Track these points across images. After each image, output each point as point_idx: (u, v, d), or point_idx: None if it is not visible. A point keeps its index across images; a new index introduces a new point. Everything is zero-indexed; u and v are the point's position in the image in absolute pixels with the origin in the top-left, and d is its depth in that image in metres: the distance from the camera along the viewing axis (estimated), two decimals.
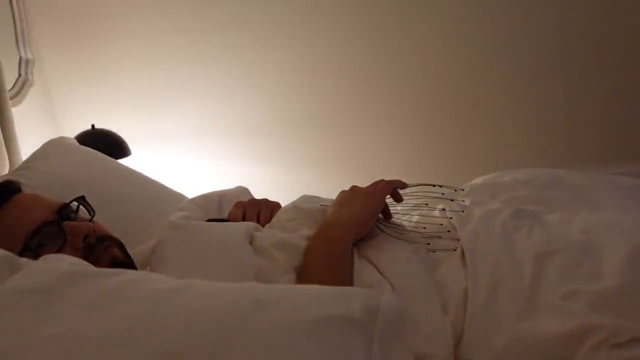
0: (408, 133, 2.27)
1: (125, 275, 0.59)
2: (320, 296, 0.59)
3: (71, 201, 0.94)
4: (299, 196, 1.15)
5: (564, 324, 0.72)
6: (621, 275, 0.76)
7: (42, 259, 0.62)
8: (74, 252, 0.85)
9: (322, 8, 2.18)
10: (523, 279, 0.79)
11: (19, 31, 2.06)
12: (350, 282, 0.87)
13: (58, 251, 0.84)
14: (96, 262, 0.85)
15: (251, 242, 0.91)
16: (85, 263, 0.63)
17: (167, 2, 2.19)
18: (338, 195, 1.04)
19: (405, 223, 1.07)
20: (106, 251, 0.89)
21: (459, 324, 0.78)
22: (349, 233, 0.93)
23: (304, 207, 1.04)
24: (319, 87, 2.25)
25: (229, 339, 0.51)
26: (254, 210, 1.08)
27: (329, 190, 1.28)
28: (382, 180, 1.05)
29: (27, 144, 1.67)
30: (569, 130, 2.26)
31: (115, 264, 0.88)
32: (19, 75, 2.04)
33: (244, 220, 1.06)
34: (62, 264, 0.60)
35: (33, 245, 0.85)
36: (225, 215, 1.10)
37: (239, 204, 1.10)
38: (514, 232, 0.89)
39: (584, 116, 2.25)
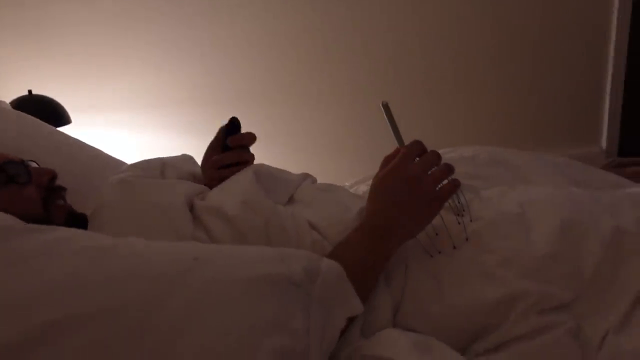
0: (362, 109, 2.28)
1: (56, 232, 0.57)
2: (261, 256, 0.59)
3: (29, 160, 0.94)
4: None
5: (495, 291, 0.75)
6: (550, 244, 0.79)
7: None
8: (36, 191, 0.86)
9: None
10: (458, 248, 0.81)
11: None
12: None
13: (20, 189, 0.85)
14: (51, 209, 0.87)
15: (191, 209, 0.89)
16: (12, 218, 0.61)
17: None
18: (384, 180, 0.81)
19: None
20: (64, 200, 0.90)
21: (398, 293, 0.79)
22: (397, 246, 0.81)
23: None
24: (261, 60, 2.23)
25: (166, 294, 0.50)
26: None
27: (274, 163, 1.27)
28: (442, 168, 0.80)
29: None
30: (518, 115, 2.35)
31: (71, 216, 0.89)
32: None
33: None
34: None
35: (3, 177, 0.84)
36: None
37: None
38: (454, 206, 0.91)
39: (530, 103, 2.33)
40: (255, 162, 1.12)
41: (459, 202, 0.87)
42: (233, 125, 1.04)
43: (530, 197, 0.93)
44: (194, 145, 2.20)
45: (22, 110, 1.51)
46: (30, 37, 2.15)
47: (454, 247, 0.82)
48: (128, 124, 2.23)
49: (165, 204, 0.89)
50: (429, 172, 0.80)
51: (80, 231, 0.60)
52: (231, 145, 1.03)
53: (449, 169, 0.81)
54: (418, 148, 0.82)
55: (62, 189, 0.92)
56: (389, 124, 0.84)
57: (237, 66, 2.23)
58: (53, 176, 0.91)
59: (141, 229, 0.87)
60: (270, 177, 0.99)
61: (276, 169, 1.06)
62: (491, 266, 0.78)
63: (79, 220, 0.89)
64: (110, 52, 2.17)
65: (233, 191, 0.91)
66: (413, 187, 0.79)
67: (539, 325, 0.72)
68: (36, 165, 0.93)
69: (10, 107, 1.51)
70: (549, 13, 2.24)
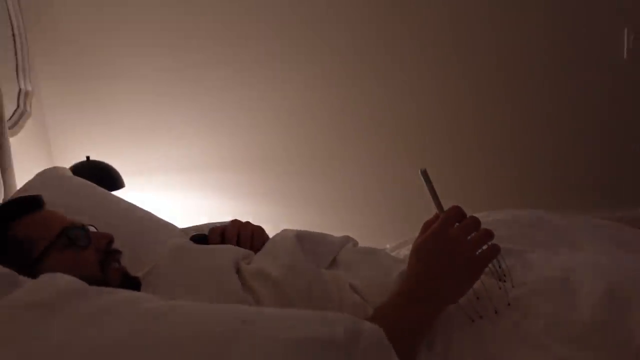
0: (397, 173, 2.32)
1: (119, 294, 0.62)
2: (304, 318, 0.62)
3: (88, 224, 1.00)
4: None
5: (540, 359, 0.74)
6: (596, 311, 0.78)
7: (40, 277, 0.65)
8: (94, 255, 0.91)
9: (317, 48, 2.26)
10: (501, 313, 0.81)
11: (19, 63, 2.11)
12: None
13: (80, 252, 0.90)
14: (108, 272, 0.91)
15: (238, 271, 0.93)
16: (81, 282, 0.66)
17: (162, 42, 2.27)
18: (425, 245, 0.82)
19: None
20: (119, 263, 0.95)
21: (444, 357, 0.79)
22: (439, 311, 0.81)
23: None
24: (307, 127, 2.31)
25: (217, 356, 0.53)
26: (233, 232, 1.11)
27: (314, 225, 1.31)
28: (482, 233, 0.81)
29: (23, 174, 1.69)
30: (555, 176, 2.33)
31: (125, 278, 0.93)
32: (18, 106, 2.09)
33: (222, 238, 1.08)
34: (60, 281, 0.63)
35: (61, 243, 0.90)
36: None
37: (216, 229, 1.12)
38: (495, 270, 0.91)
39: (570, 164, 2.32)
40: (297, 223, 1.17)
41: (499, 267, 0.88)
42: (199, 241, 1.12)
43: (574, 262, 0.92)
44: (238, 207, 2.29)
45: (80, 175, 1.60)
46: (89, 109, 2.32)
47: (496, 312, 0.82)
48: (175, 187, 2.33)
49: (214, 267, 0.93)
50: (469, 238, 0.81)
51: (141, 294, 0.65)
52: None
53: (488, 234, 0.82)
54: (457, 213, 0.83)
55: (117, 253, 0.97)
56: (427, 190, 0.87)
57: (280, 131, 2.32)
58: (110, 240, 0.96)
59: (191, 290, 0.91)
60: (312, 240, 1.03)
61: (318, 233, 1.10)
62: (535, 333, 0.78)
63: (132, 283, 0.94)
64: (159, 121, 2.31)
65: (276, 255, 0.95)
66: (453, 252, 0.80)
67: None
68: (94, 230, 0.99)
69: (70, 173, 1.61)
70: (593, 74, 2.26)
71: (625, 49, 2.26)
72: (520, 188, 2.34)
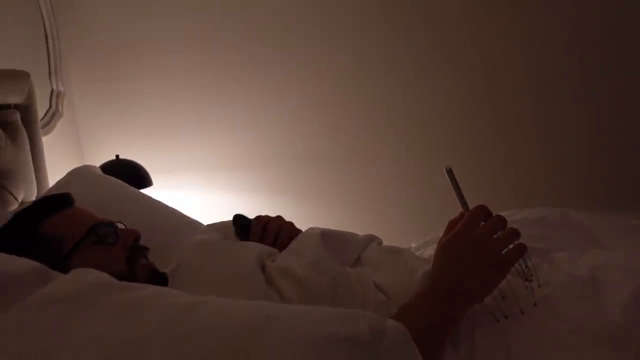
0: (422, 171, 2.31)
1: (147, 289, 0.64)
2: (329, 316, 0.62)
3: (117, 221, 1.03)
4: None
5: (566, 359, 0.73)
6: (624, 311, 0.77)
7: (72, 272, 0.67)
8: (122, 251, 0.93)
9: (341, 49, 2.27)
10: (528, 312, 0.80)
11: (52, 65, 2.17)
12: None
13: (109, 249, 0.92)
14: (136, 268, 0.93)
15: (263, 269, 0.94)
16: (110, 277, 0.67)
17: (189, 42, 2.30)
18: (450, 244, 0.82)
19: None
20: (147, 259, 0.97)
21: (468, 357, 0.79)
22: (464, 311, 0.80)
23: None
24: (330, 124, 2.32)
25: (242, 350, 0.54)
26: (274, 228, 1.11)
27: (338, 224, 1.31)
28: (508, 232, 0.81)
29: (55, 173, 1.74)
30: (589, 174, 2.28)
31: (153, 274, 0.95)
32: (50, 106, 2.14)
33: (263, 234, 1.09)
34: (90, 276, 0.65)
35: (90, 240, 0.92)
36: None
37: (262, 217, 1.13)
38: (522, 269, 0.91)
39: (599, 161, 2.27)
40: (320, 221, 1.18)
41: (526, 267, 0.87)
42: (241, 225, 1.14)
43: (602, 262, 0.91)
44: (261, 205, 2.31)
45: (110, 174, 1.64)
46: (119, 109, 2.36)
47: (522, 312, 0.81)
48: (202, 185, 2.36)
49: (239, 264, 0.95)
50: (495, 237, 0.81)
51: (168, 289, 0.66)
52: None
53: (515, 233, 0.81)
54: (483, 212, 0.83)
55: (145, 249, 0.99)
56: (453, 188, 0.87)
57: (305, 129, 2.33)
58: (137, 237, 0.98)
59: (217, 286, 0.92)
60: (336, 238, 1.03)
61: (343, 231, 1.10)
62: (561, 333, 0.77)
63: (160, 279, 0.95)
64: (187, 120, 2.34)
65: (301, 253, 0.96)
66: (478, 251, 0.79)
67: None
68: (122, 226, 1.01)
69: (100, 171, 1.64)
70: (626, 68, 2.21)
71: None
72: (551, 186, 2.30)
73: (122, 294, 0.61)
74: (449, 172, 0.86)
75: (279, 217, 1.17)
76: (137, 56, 2.32)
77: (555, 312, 0.80)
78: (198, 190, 2.36)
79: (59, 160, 2.03)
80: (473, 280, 0.79)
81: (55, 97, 2.16)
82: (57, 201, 0.99)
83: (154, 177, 2.07)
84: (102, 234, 0.94)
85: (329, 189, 2.35)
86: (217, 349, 0.54)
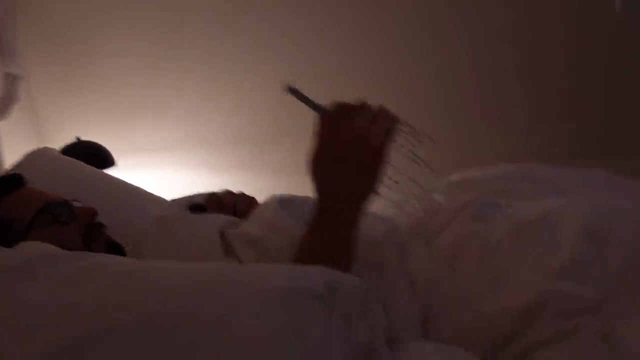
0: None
1: (96, 257, 0.62)
2: (285, 272, 0.62)
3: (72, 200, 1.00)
4: None
5: (522, 296, 0.75)
6: (575, 248, 0.79)
7: (18, 245, 0.65)
8: (78, 229, 0.91)
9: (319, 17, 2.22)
10: (486, 258, 0.81)
11: (5, 48, 2.09)
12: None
13: (64, 228, 0.89)
14: (93, 245, 0.91)
15: (222, 237, 0.94)
16: (57, 248, 0.66)
17: (149, 18, 2.23)
18: (310, 161, 0.78)
19: None
20: (103, 233, 0.95)
21: (424, 303, 0.80)
22: (360, 209, 0.78)
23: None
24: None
25: (196, 306, 0.54)
26: (230, 200, 1.10)
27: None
28: (380, 110, 0.76)
29: (13, 159, 1.69)
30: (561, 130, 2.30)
31: (111, 245, 0.93)
32: (5, 91, 2.07)
33: (220, 208, 1.08)
34: (35, 249, 0.63)
35: (43, 220, 0.89)
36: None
37: (211, 199, 1.12)
38: (479, 220, 0.92)
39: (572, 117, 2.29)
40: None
41: (414, 145, 0.80)
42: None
43: (551, 205, 0.93)
44: (232, 182, 2.28)
45: (71, 156, 1.59)
46: (77, 91, 2.30)
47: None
48: (168, 163, 2.33)
49: (199, 235, 0.94)
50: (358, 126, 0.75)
51: (116, 257, 0.64)
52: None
53: (394, 119, 0.76)
54: (340, 111, 0.78)
55: (102, 226, 0.97)
56: (303, 102, 0.81)
57: (270, 105, 2.29)
58: (94, 213, 0.96)
59: (177, 259, 0.91)
60: (294, 203, 1.03)
61: (301, 195, 1.10)
62: (517, 272, 0.79)
63: (118, 251, 0.94)
64: (148, 100, 2.29)
65: (259, 218, 0.95)
66: (339, 145, 0.75)
67: (566, 328, 0.71)
68: (79, 204, 0.99)
69: (57, 153, 1.60)
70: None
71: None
72: (529, 143, 2.30)
73: (68, 263, 0.60)
74: (291, 90, 0.81)
75: (229, 192, 1.16)
76: (95, 35, 2.25)
77: (510, 256, 0.81)
78: (164, 169, 2.32)
79: (16, 146, 1.97)
80: (348, 176, 0.76)
81: (10, 80, 2.09)
82: (6, 182, 0.95)
83: (118, 158, 2.03)
84: (56, 213, 0.91)
85: (295, 162, 2.33)
86: (170, 310, 0.53)
